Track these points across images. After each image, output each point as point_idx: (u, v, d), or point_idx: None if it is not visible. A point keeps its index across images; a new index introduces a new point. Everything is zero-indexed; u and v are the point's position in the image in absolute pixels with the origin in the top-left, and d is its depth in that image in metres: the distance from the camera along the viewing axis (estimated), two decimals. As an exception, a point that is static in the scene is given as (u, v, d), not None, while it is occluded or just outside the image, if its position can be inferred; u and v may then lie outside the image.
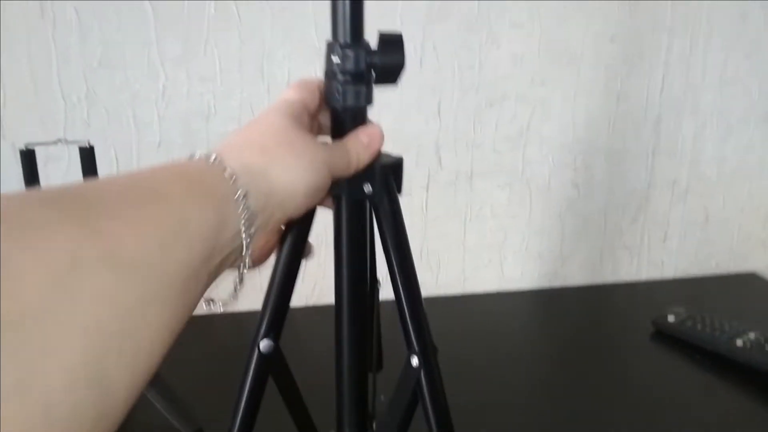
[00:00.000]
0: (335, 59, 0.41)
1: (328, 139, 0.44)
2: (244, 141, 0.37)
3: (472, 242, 1.08)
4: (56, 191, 0.26)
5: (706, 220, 1.17)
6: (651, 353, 0.92)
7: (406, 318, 0.44)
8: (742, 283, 1.18)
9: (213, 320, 0.92)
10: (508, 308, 1.07)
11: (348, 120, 0.42)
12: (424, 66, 0.97)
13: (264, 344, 0.44)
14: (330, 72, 0.41)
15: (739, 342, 0.86)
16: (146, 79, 0.89)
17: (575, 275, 1.14)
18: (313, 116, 0.43)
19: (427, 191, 1.03)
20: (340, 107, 0.42)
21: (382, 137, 0.43)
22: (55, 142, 0.68)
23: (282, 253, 0.44)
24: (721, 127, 1.12)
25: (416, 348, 0.44)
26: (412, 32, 0.95)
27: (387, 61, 0.41)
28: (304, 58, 0.92)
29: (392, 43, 0.41)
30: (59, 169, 0.88)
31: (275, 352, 0.44)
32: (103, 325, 0.24)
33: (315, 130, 0.45)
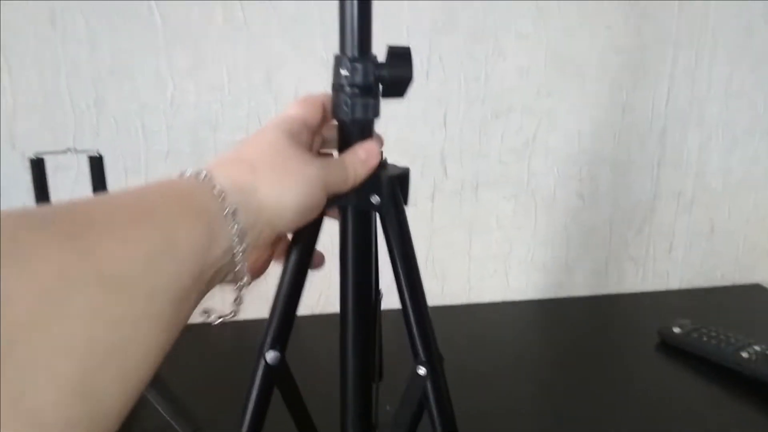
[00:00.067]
0: (344, 72, 0.41)
1: (334, 152, 0.44)
2: (236, 158, 0.38)
3: (477, 252, 1.08)
4: (48, 210, 0.27)
5: (711, 231, 1.17)
6: (656, 364, 0.92)
7: (412, 327, 0.45)
8: (748, 295, 1.17)
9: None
10: (513, 318, 1.07)
11: (355, 132, 0.43)
12: (431, 77, 0.98)
13: (270, 356, 0.44)
14: (338, 85, 0.42)
15: (744, 354, 0.86)
16: (155, 88, 0.90)
17: (580, 286, 1.14)
18: (315, 132, 0.43)
19: (433, 201, 1.04)
20: (348, 120, 0.42)
21: (379, 152, 0.43)
22: (64, 151, 0.69)
23: (288, 265, 0.44)
24: (727, 138, 1.12)
25: (423, 357, 0.45)
26: (419, 44, 0.96)
27: (395, 74, 0.42)
28: (312, 69, 0.93)
29: (401, 57, 0.41)
30: (68, 178, 0.88)
31: (281, 364, 0.45)
32: (94, 342, 0.25)
33: (317, 145, 0.45)
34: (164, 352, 0.29)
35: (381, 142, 0.44)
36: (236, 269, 0.35)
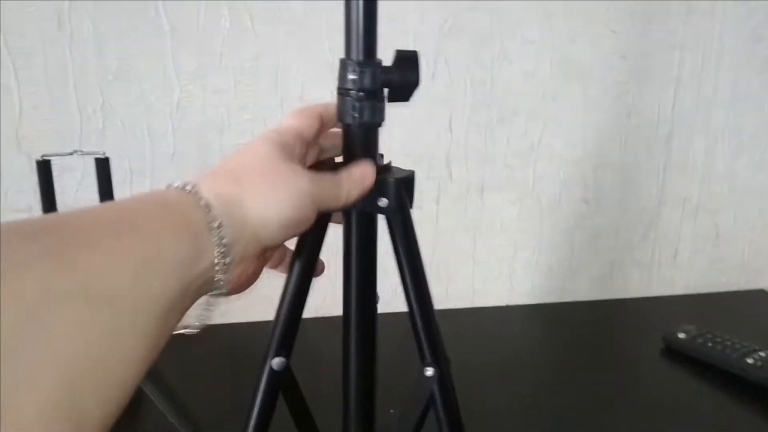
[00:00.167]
0: (351, 76, 0.41)
1: (338, 158, 0.45)
2: (224, 170, 0.37)
3: (482, 255, 1.08)
4: (33, 223, 0.27)
5: (717, 236, 1.17)
6: (661, 370, 0.91)
7: (419, 329, 0.45)
8: (753, 300, 1.17)
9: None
10: (518, 322, 1.07)
11: (360, 136, 0.43)
12: (436, 80, 0.98)
13: (276, 362, 0.44)
14: (344, 89, 0.42)
15: (749, 360, 0.86)
16: (161, 91, 0.90)
17: (585, 290, 1.14)
18: (310, 143, 0.43)
19: (438, 204, 1.04)
20: (355, 124, 0.43)
21: (374, 177, 0.43)
22: (70, 153, 0.69)
23: (293, 271, 0.44)
24: (733, 143, 1.12)
25: (430, 359, 0.45)
26: (425, 47, 0.96)
27: (402, 78, 0.42)
28: (317, 73, 0.93)
29: (408, 61, 0.42)
30: (74, 180, 0.89)
31: (286, 370, 0.45)
32: (77, 358, 0.25)
33: (312, 156, 0.45)
34: (148, 365, 0.29)
35: (375, 167, 0.44)
36: (222, 282, 0.34)
